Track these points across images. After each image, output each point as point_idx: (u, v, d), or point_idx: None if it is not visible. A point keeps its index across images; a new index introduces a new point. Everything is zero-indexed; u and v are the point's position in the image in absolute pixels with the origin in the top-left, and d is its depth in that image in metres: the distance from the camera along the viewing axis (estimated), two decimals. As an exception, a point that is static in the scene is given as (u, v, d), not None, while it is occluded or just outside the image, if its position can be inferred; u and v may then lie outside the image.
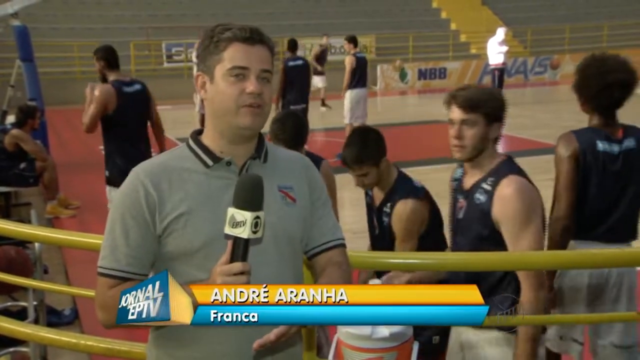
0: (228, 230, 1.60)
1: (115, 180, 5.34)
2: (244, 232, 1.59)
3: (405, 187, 3.24)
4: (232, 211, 1.60)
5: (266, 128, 1.96)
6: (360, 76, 10.86)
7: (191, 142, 1.85)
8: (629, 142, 3.20)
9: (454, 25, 25.22)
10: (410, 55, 23.05)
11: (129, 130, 5.49)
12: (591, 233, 3.19)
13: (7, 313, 4.20)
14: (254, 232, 1.59)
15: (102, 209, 6.27)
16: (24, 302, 4.24)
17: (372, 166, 3.22)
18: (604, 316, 3.16)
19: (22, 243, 4.63)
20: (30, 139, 7.52)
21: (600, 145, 3.16)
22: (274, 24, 21.08)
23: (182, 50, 20.58)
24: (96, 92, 5.35)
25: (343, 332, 2.68)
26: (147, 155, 5.44)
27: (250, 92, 1.73)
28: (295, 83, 10.06)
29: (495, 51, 16.96)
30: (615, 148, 3.18)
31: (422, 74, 22.52)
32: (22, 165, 7.43)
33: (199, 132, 1.88)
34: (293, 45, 10.53)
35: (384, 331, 2.64)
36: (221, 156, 1.80)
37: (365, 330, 2.63)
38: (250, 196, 1.60)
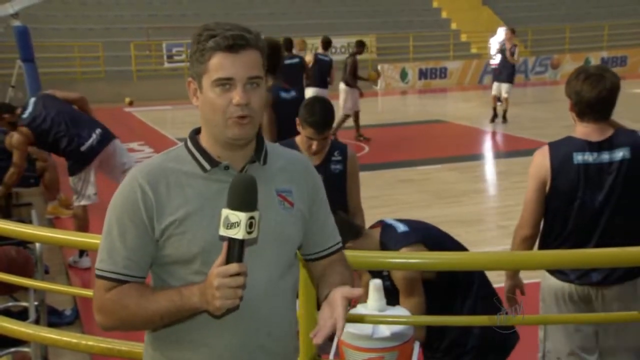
0: (223, 231, 1.59)
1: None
2: (238, 233, 1.58)
3: (392, 238, 3.07)
4: (226, 212, 1.59)
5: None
6: (315, 76, 11.24)
7: (189, 144, 1.82)
8: (293, 92, 5.10)
9: (455, 25, 25.21)
10: (411, 55, 23.03)
11: (53, 133, 5.94)
12: None
13: (8, 313, 4.19)
14: (249, 233, 1.59)
15: (103, 210, 6.24)
16: (24, 302, 4.23)
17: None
18: (608, 316, 3.15)
19: (23, 243, 4.62)
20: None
21: (282, 95, 5.02)
22: (274, 24, 21.06)
23: (182, 50, 20.57)
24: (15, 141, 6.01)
25: (344, 332, 2.67)
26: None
27: (236, 104, 1.70)
28: (292, 80, 10.31)
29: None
30: (288, 96, 5.05)
31: (422, 74, 22.49)
32: (23, 166, 7.41)
33: (197, 132, 1.85)
34: (288, 45, 10.75)
35: (385, 331, 2.63)
36: (219, 160, 1.77)
37: (367, 329, 2.63)
38: (243, 197, 1.59)
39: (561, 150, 3.01)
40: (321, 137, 3.58)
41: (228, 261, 1.59)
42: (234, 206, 1.58)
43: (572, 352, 3.14)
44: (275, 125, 5.04)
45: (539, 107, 14.70)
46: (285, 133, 5.01)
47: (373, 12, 24.45)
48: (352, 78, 11.94)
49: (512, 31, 14.46)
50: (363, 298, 2.98)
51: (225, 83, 1.70)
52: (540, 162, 3.04)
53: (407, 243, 3.01)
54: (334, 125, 4.20)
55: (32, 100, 6.12)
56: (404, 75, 22.36)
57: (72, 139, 5.91)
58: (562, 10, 26.35)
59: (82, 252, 6.07)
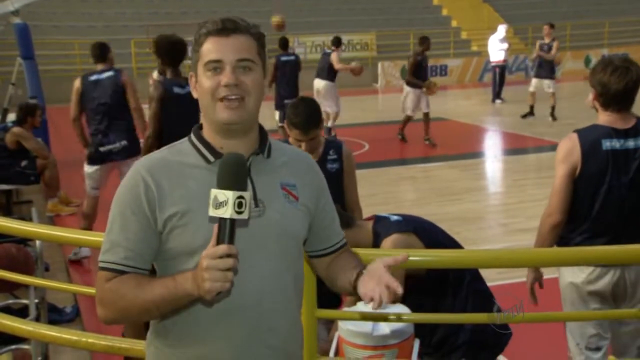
0: (211, 212, 1.57)
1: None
2: (226, 212, 1.55)
3: (385, 226, 3.08)
4: (214, 192, 1.57)
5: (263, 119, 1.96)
6: (321, 69, 11.78)
7: (193, 137, 1.83)
8: (189, 87, 4.85)
9: (455, 22, 25.18)
10: (411, 53, 23.00)
11: (88, 115, 6.13)
12: None
13: (9, 311, 4.20)
14: (238, 213, 1.56)
15: (103, 207, 6.27)
16: (25, 299, 4.24)
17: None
18: (608, 313, 3.17)
19: (24, 241, 4.63)
20: (32, 137, 7.51)
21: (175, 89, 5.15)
22: (275, 21, 21.03)
23: (182, 48, 20.55)
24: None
25: (344, 330, 2.68)
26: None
27: (224, 85, 1.71)
28: (287, 77, 10.41)
29: (497, 48, 16.96)
30: (183, 91, 5.10)
31: (423, 72, 22.45)
32: (24, 163, 7.43)
33: (201, 127, 1.86)
34: (284, 44, 10.92)
35: (385, 328, 2.64)
36: (221, 152, 1.78)
37: (366, 327, 2.63)
38: (231, 175, 1.58)
39: (590, 136, 3.14)
40: (308, 138, 3.51)
41: (218, 243, 1.57)
42: (222, 185, 1.57)
43: (595, 333, 3.24)
44: (162, 119, 5.16)
45: (539, 105, 14.65)
46: (177, 126, 5.17)
47: (374, 9, 24.42)
48: (412, 77, 11.57)
49: (550, 26, 14.03)
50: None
51: (215, 66, 1.73)
52: (571, 148, 3.15)
53: (398, 230, 3.02)
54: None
55: (113, 73, 6.13)
56: (404, 72, 22.32)
57: (97, 134, 5.97)
58: (562, 8, 26.31)
59: None
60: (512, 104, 15.97)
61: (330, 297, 3.48)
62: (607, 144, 3.10)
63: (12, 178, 7.39)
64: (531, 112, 14.00)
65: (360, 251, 2.75)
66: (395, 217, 3.13)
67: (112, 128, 6.00)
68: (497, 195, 8.81)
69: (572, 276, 3.19)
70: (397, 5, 24.97)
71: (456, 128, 13.67)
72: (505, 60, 17.23)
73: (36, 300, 4.08)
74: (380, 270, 1.72)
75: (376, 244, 3.07)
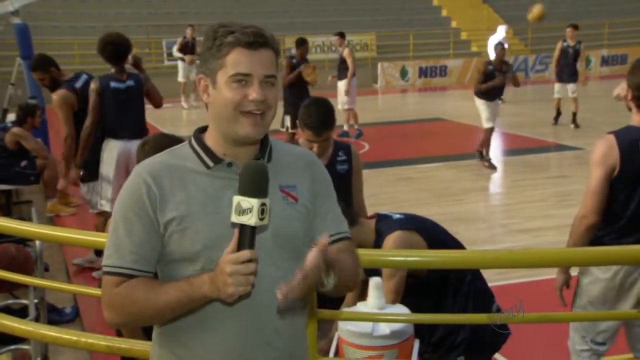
0: (234, 218, 1.60)
1: None
2: (251, 219, 1.59)
3: (387, 224, 3.11)
4: (238, 199, 1.60)
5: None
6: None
7: (193, 142, 1.83)
8: (130, 82, 5.53)
9: (455, 23, 25.19)
10: (411, 53, 23.02)
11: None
12: None
13: (8, 311, 4.20)
14: (261, 219, 1.60)
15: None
16: (24, 299, 4.24)
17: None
18: (606, 314, 3.17)
19: (23, 241, 4.63)
20: (31, 137, 7.52)
21: (112, 84, 5.45)
22: (274, 22, 21.03)
23: (182, 49, 20.54)
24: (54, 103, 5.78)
25: (344, 330, 2.68)
26: None
27: (253, 100, 1.72)
28: None
29: (496, 49, 16.89)
30: (122, 85, 5.51)
31: (422, 72, 22.48)
32: (23, 163, 7.43)
33: (201, 130, 1.86)
34: (297, 45, 10.86)
35: (385, 329, 2.64)
36: (223, 158, 1.79)
37: (366, 327, 2.63)
38: (256, 183, 1.61)
39: (627, 138, 3.17)
40: (321, 140, 3.49)
41: (240, 248, 1.61)
42: (246, 192, 1.60)
43: (605, 330, 3.26)
44: (100, 111, 5.51)
45: (539, 105, 14.69)
46: (114, 117, 5.56)
47: (373, 10, 24.42)
48: (482, 87, 9.64)
49: (574, 27, 12.77)
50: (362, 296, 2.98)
51: (242, 79, 1.72)
52: (609, 149, 3.16)
53: (400, 227, 3.05)
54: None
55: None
56: (404, 73, 22.34)
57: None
58: (562, 9, 26.31)
59: (97, 252, 5.89)
60: (511, 105, 15.96)
61: (330, 297, 3.49)
62: None
63: (11, 178, 7.39)
64: (558, 115, 13.18)
65: (362, 251, 2.77)
66: (398, 216, 3.15)
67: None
68: (496, 195, 8.82)
69: (599, 272, 3.21)
70: (397, 5, 24.97)
71: (456, 128, 13.68)
72: (504, 61, 17.17)
73: (36, 301, 4.08)
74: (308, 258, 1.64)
75: (378, 242, 3.08)
